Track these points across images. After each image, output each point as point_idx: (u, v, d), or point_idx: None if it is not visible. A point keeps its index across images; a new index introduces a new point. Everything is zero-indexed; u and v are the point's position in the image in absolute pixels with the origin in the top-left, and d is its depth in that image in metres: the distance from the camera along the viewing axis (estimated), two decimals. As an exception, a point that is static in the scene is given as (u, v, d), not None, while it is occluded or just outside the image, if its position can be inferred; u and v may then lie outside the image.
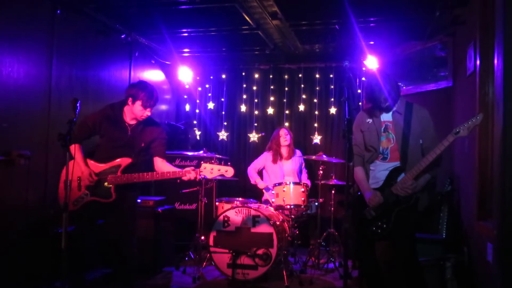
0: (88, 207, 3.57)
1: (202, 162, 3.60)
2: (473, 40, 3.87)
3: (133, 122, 3.67)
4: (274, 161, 5.63)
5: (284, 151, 5.68)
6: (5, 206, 3.71)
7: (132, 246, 3.68)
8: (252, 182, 5.69)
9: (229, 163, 5.09)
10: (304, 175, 5.78)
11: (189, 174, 3.50)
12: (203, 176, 3.55)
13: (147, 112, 3.64)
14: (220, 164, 3.60)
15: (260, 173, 5.85)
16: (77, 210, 3.54)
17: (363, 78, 6.30)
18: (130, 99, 3.58)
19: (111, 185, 3.54)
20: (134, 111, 3.62)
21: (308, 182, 5.48)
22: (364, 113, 3.36)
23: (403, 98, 3.29)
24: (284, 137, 5.65)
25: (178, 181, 3.61)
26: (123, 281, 3.67)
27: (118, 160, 3.58)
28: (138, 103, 3.58)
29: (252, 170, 5.74)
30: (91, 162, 3.61)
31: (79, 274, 3.72)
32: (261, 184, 5.55)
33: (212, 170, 3.47)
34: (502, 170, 2.86)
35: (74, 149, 3.51)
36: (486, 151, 3.62)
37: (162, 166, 3.71)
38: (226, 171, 3.45)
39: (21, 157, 3.77)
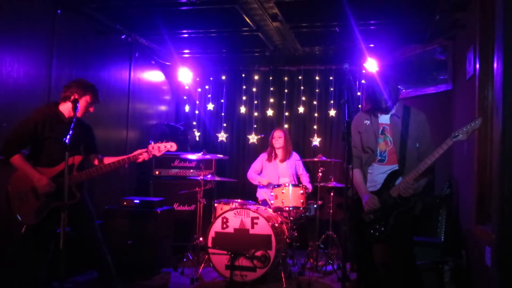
0: (53, 214, 3.39)
1: (148, 144, 3.79)
2: (473, 44, 3.88)
3: (69, 120, 3.45)
4: (269, 159, 5.68)
5: (278, 152, 5.71)
6: (3, 205, 3.70)
7: (102, 242, 3.62)
8: (256, 183, 5.73)
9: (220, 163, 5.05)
10: (306, 179, 5.78)
11: (141, 155, 3.68)
12: (152, 155, 3.72)
13: (91, 109, 3.58)
14: (163, 142, 3.77)
15: (258, 173, 5.86)
16: (43, 221, 3.38)
17: (363, 81, 6.30)
18: (75, 96, 3.44)
19: (71, 186, 3.38)
20: (78, 108, 3.43)
21: (309, 186, 5.48)
22: (362, 114, 3.37)
23: (401, 102, 3.30)
24: (277, 139, 5.67)
25: (126, 165, 3.70)
26: (106, 281, 3.62)
27: (69, 159, 3.28)
28: (85, 100, 3.49)
29: (251, 173, 5.77)
30: (40, 169, 3.39)
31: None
32: (264, 181, 5.61)
33: (159, 148, 3.72)
34: (501, 174, 2.86)
35: (19, 160, 3.36)
36: (485, 155, 3.62)
37: (108, 158, 3.72)
38: (171, 146, 3.76)
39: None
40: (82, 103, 3.48)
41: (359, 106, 6.33)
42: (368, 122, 3.29)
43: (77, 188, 3.45)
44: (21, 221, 3.37)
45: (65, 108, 3.51)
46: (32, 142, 3.42)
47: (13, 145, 3.37)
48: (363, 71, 6.20)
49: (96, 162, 3.75)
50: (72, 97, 3.43)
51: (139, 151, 3.69)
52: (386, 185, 3.16)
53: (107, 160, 3.72)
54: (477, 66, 3.72)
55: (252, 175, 5.76)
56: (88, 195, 3.67)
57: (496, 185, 2.98)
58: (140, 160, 3.69)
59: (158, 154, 3.73)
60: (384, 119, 3.26)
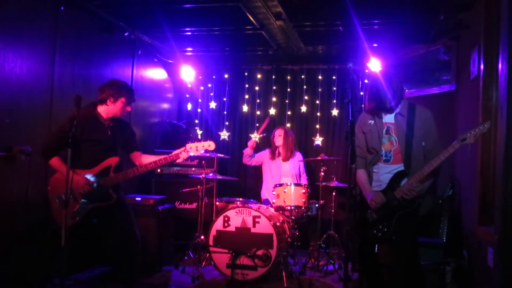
0: (89, 215, 3.49)
1: (186, 143, 3.75)
2: (477, 44, 3.86)
3: (108, 122, 3.59)
4: (272, 158, 5.68)
5: (280, 150, 5.71)
6: (6, 201, 3.71)
7: (140, 242, 3.64)
8: (246, 153, 5.86)
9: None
10: (304, 181, 5.77)
11: (181, 155, 3.66)
12: (190, 155, 3.72)
13: (128, 108, 3.63)
14: (200, 141, 3.72)
15: (260, 172, 5.86)
16: (79, 222, 3.43)
17: (366, 81, 6.29)
18: (111, 98, 3.51)
19: (107, 187, 3.48)
20: (115, 110, 3.56)
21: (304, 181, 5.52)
22: (366, 114, 3.35)
23: (406, 100, 3.28)
24: (277, 137, 5.68)
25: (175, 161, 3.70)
26: (129, 280, 3.62)
27: (106, 161, 3.50)
28: (121, 101, 3.54)
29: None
30: (78, 171, 3.45)
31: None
32: (251, 142, 5.80)
33: (197, 148, 3.68)
34: (504, 175, 2.84)
35: (57, 162, 3.43)
36: (488, 156, 3.61)
37: (147, 157, 3.75)
38: (209, 146, 3.70)
39: (22, 153, 3.77)
40: (119, 104, 3.55)
41: (362, 105, 6.31)
42: (372, 122, 3.27)
43: (114, 189, 3.51)
44: (58, 223, 3.40)
45: (103, 110, 3.57)
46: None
47: (51, 148, 3.44)
48: (366, 71, 6.18)
49: (135, 161, 3.77)
50: (107, 100, 3.52)
51: (177, 151, 3.68)
52: (391, 185, 3.15)
53: (146, 158, 3.73)
54: (482, 66, 3.70)
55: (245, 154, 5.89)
56: (123, 194, 3.71)
57: (500, 186, 2.96)
58: (179, 160, 3.68)
59: (196, 154, 3.72)
60: (389, 118, 3.25)
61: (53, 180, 3.50)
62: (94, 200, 3.45)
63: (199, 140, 3.70)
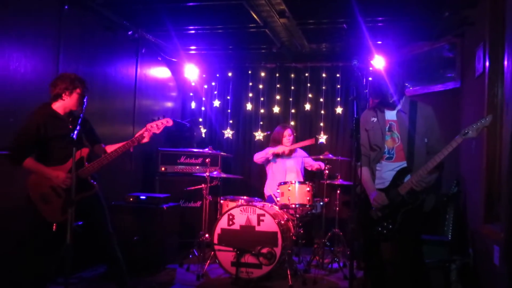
0: (78, 207, 3.41)
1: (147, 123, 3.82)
2: (483, 41, 3.84)
3: (66, 116, 3.52)
4: (277, 156, 5.66)
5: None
6: (10, 200, 3.72)
7: (113, 234, 3.65)
8: (267, 155, 5.61)
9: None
10: (312, 161, 5.76)
11: (145, 134, 3.71)
12: (152, 133, 3.77)
13: (84, 100, 3.51)
14: (159, 119, 3.81)
15: (263, 171, 5.84)
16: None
17: (370, 78, 6.27)
18: (66, 92, 3.46)
19: (86, 177, 3.48)
20: (71, 103, 3.49)
21: (321, 164, 5.54)
22: (368, 112, 3.35)
23: (407, 97, 3.27)
24: (288, 137, 5.64)
25: (131, 149, 3.73)
26: (117, 276, 3.63)
27: (76, 153, 3.38)
28: (76, 92, 3.49)
29: (258, 153, 5.73)
30: (52, 168, 3.42)
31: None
32: (279, 148, 5.54)
33: (157, 125, 3.76)
34: (510, 172, 2.83)
35: (31, 163, 3.38)
36: (494, 153, 3.59)
37: (111, 147, 3.73)
38: (167, 122, 3.81)
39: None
40: (74, 96, 3.50)
41: (367, 103, 6.29)
42: (375, 119, 3.27)
43: (93, 178, 3.53)
44: (50, 221, 3.39)
45: (59, 106, 3.51)
46: (38, 144, 3.43)
47: (21, 150, 3.39)
48: (370, 68, 6.17)
49: (101, 153, 3.75)
50: (63, 94, 3.47)
51: (140, 131, 3.72)
52: (394, 182, 3.14)
53: (110, 148, 3.73)
54: (487, 63, 3.68)
55: (259, 153, 5.70)
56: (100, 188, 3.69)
57: (505, 183, 2.96)
58: (143, 141, 3.72)
59: (157, 131, 3.78)
60: (391, 115, 3.24)
61: (31, 183, 3.44)
62: (77, 192, 3.34)
63: (161, 118, 3.80)
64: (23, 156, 3.38)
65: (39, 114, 3.41)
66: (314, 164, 5.71)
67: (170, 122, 3.80)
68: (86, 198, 3.48)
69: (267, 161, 5.70)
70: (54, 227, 3.39)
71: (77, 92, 3.50)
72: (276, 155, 5.63)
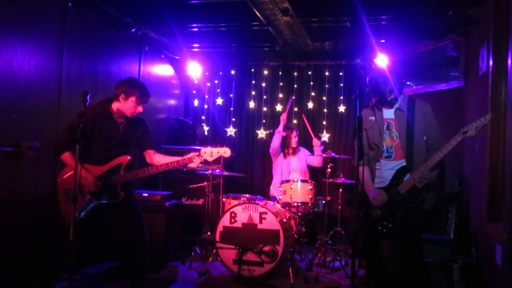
0: (96, 212, 3.50)
1: (200, 148, 3.64)
2: (487, 40, 3.83)
3: (121, 119, 3.58)
4: (284, 156, 5.69)
5: (291, 149, 5.72)
6: (14, 197, 3.73)
7: (148, 239, 3.64)
8: (279, 139, 5.67)
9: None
10: (311, 156, 5.79)
11: (195, 160, 3.54)
12: (204, 160, 3.58)
13: (140, 109, 3.57)
14: (216, 146, 3.59)
15: (266, 169, 5.85)
16: (85, 217, 3.45)
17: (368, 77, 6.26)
18: (122, 95, 3.49)
19: (117, 185, 3.47)
20: (125, 108, 3.52)
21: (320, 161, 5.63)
22: (367, 111, 3.35)
23: (405, 95, 3.27)
24: (294, 139, 5.69)
25: (185, 169, 3.62)
26: (137, 278, 3.61)
27: (117, 159, 3.49)
28: (132, 100, 3.51)
29: (272, 143, 5.76)
30: (88, 167, 3.46)
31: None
32: (280, 127, 5.65)
33: (211, 153, 3.56)
34: (513, 172, 2.83)
35: (69, 157, 3.41)
36: (497, 152, 3.58)
37: (159, 157, 3.71)
38: (225, 152, 3.56)
39: (30, 149, 3.79)
40: (129, 103, 3.52)
41: (370, 102, 6.29)
42: (373, 118, 3.27)
43: (122, 187, 3.50)
44: (64, 217, 3.42)
45: (116, 106, 3.55)
46: (84, 140, 3.42)
47: (62, 144, 3.44)
48: (373, 67, 6.15)
49: (148, 159, 3.74)
50: (119, 97, 3.51)
51: (190, 154, 3.56)
52: (394, 181, 3.14)
53: (159, 158, 3.70)
54: (491, 62, 3.67)
55: (273, 142, 5.76)
56: (133, 191, 3.70)
57: (509, 183, 2.95)
58: (192, 165, 3.56)
59: (210, 160, 3.59)
60: (389, 114, 3.25)
61: (63, 174, 3.52)
62: (101, 198, 3.47)
63: (214, 145, 3.57)
64: (62, 150, 3.42)
65: (91, 112, 3.40)
66: (315, 157, 5.75)
67: (228, 153, 3.56)
68: (114, 204, 3.48)
69: (277, 155, 5.70)
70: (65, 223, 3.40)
71: (132, 99, 3.51)
72: (285, 155, 5.66)
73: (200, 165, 3.63)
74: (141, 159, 3.82)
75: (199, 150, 3.58)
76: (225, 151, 3.56)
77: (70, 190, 3.39)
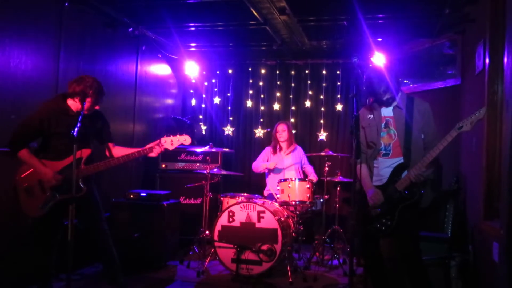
0: (57, 207, 3.47)
1: (161, 137, 3.70)
2: (483, 38, 3.84)
3: (77, 114, 3.46)
4: (274, 152, 5.69)
5: (283, 145, 5.73)
6: (11, 197, 3.72)
7: (108, 233, 3.64)
8: (262, 169, 5.66)
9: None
10: (311, 170, 5.74)
11: (155, 149, 3.61)
12: (164, 149, 3.65)
13: (96, 107, 3.56)
14: (176, 135, 3.65)
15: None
16: (48, 213, 3.44)
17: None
18: (77, 98, 3.44)
19: (78, 179, 3.41)
20: (80, 107, 3.45)
21: (315, 177, 5.49)
22: (365, 110, 3.37)
23: (404, 93, 3.28)
24: (281, 133, 5.67)
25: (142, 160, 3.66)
26: (110, 274, 3.64)
27: (77, 153, 3.36)
28: (88, 101, 3.46)
29: (256, 163, 5.75)
30: (47, 162, 3.44)
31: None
32: (271, 164, 5.58)
33: (172, 142, 3.63)
34: (510, 169, 2.83)
35: (26, 154, 3.40)
36: (494, 150, 3.59)
37: (118, 150, 3.72)
38: (185, 140, 3.65)
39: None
40: (85, 104, 3.48)
41: (367, 100, 6.30)
42: (371, 116, 3.28)
43: (84, 181, 3.48)
44: (26, 214, 3.44)
45: (72, 103, 3.52)
46: (40, 136, 3.47)
47: (19, 140, 3.42)
48: (370, 65, 6.16)
49: (108, 152, 3.76)
50: (75, 98, 3.47)
51: (151, 144, 3.64)
52: (392, 179, 3.15)
53: (118, 151, 3.72)
54: (487, 60, 3.68)
55: (257, 164, 5.74)
56: (96, 187, 3.69)
57: (505, 180, 2.95)
58: (152, 154, 3.63)
59: (170, 148, 3.66)
60: (387, 112, 3.26)
61: (21, 172, 3.48)
62: (62, 192, 3.44)
63: (174, 135, 3.63)
64: (19, 147, 3.41)
65: (46, 108, 3.42)
66: (309, 173, 5.71)
67: (188, 141, 3.65)
68: (77, 198, 3.40)
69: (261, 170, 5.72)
70: (30, 220, 3.44)
71: (88, 101, 3.48)
72: (275, 151, 5.68)
73: (159, 153, 3.68)
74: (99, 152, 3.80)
75: (159, 139, 3.64)
76: (185, 139, 3.65)
77: (29, 187, 3.42)
